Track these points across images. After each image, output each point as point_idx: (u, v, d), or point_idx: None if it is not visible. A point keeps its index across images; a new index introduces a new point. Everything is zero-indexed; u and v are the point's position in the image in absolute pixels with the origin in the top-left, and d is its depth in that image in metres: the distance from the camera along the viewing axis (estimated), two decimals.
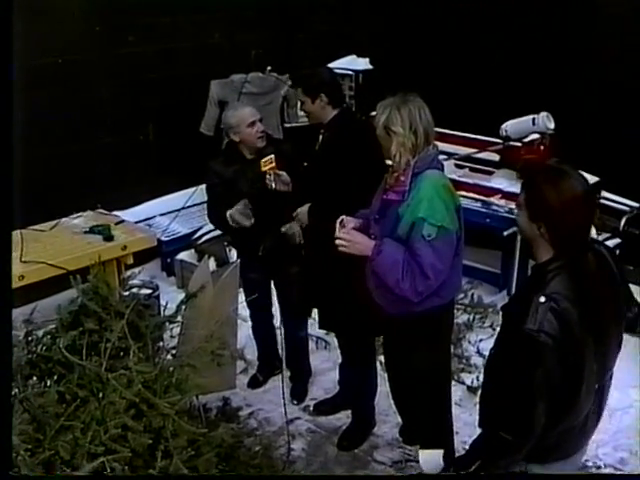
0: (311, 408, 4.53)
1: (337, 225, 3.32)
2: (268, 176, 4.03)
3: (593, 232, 4.16)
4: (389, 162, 3.32)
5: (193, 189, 6.04)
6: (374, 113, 3.34)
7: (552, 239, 2.40)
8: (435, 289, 3.24)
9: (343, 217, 3.37)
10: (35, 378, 2.78)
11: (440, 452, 2.85)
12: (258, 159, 4.14)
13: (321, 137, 4.00)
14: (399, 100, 3.21)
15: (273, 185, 4.04)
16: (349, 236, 3.24)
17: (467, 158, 5.86)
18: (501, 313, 2.73)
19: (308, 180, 4.02)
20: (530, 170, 2.63)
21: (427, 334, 3.43)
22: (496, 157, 5.74)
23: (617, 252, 4.95)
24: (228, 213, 4.14)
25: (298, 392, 4.65)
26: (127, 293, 3.53)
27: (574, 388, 2.45)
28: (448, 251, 3.19)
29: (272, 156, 4.06)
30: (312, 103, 3.95)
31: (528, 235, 2.49)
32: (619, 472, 3.91)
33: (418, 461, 3.94)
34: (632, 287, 5.49)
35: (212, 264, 4.51)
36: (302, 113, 4.19)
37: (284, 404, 4.15)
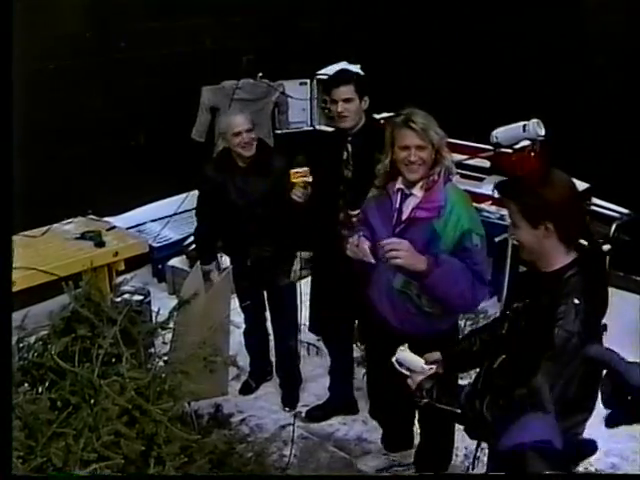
0: (303, 414, 4.53)
1: (353, 240, 3.20)
2: (302, 189, 3.77)
3: None
4: (413, 176, 3.18)
5: (184, 195, 6.04)
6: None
7: (560, 234, 2.43)
8: None
9: (360, 235, 3.23)
10: (27, 385, 2.77)
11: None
12: (249, 168, 4.13)
13: (350, 146, 3.85)
14: (420, 111, 3.16)
15: (299, 200, 3.79)
16: (407, 247, 3.02)
17: (458, 164, 5.86)
18: (508, 322, 2.71)
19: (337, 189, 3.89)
20: (513, 183, 2.64)
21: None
22: (487, 163, 5.76)
23: (608, 258, 5.05)
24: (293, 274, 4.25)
25: (289, 399, 4.65)
26: (119, 299, 3.53)
27: (592, 389, 2.49)
28: (487, 257, 3.25)
29: (307, 169, 3.79)
30: (359, 104, 3.82)
31: (535, 247, 2.48)
32: None
33: (404, 465, 3.99)
34: (621, 293, 5.58)
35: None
36: (341, 111, 3.78)
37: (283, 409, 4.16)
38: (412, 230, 3.16)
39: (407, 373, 2.80)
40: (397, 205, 3.23)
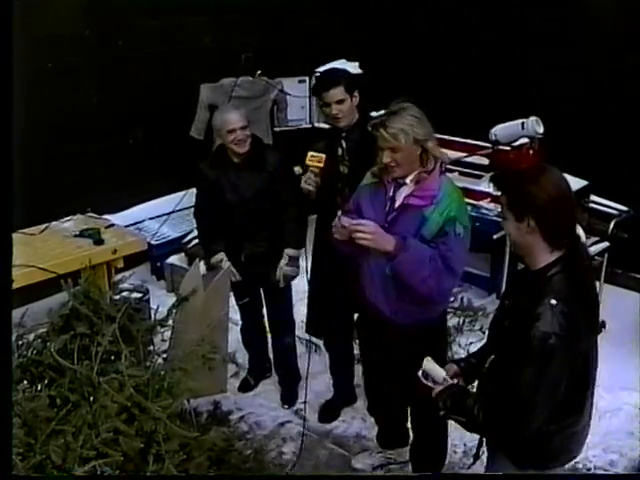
0: (304, 412, 4.52)
1: (338, 221, 3.23)
2: (310, 174, 3.70)
3: (583, 236, 4.20)
4: (391, 175, 3.25)
5: (183, 193, 6.03)
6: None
7: (544, 232, 2.43)
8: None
9: (339, 217, 3.27)
10: (26, 382, 2.78)
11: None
12: (244, 164, 4.14)
13: (345, 142, 3.86)
14: (404, 110, 3.18)
15: (310, 188, 3.71)
16: (373, 228, 3.12)
17: (456, 162, 5.87)
18: (497, 318, 2.73)
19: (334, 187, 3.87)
20: (508, 178, 2.65)
21: (438, 339, 3.49)
22: (485, 161, 5.76)
23: (606, 256, 5.06)
24: (278, 271, 4.22)
25: (288, 396, 4.66)
26: (118, 297, 3.53)
27: (583, 389, 2.50)
28: (467, 251, 3.26)
29: (323, 156, 3.68)
30: (351, 102, 3.83)
31: (519, 241, 2.51)
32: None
33: (399, 463, 3.99)
34: (620, 290, 5.58)
35: (202, 268, 4.51)
36: (335, 113, 3.79)
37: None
38: (404, 217, 3.21)
39: (432, 385, 2.81)
40: (391, 194, 3.28)
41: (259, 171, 4.14)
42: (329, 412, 4.52)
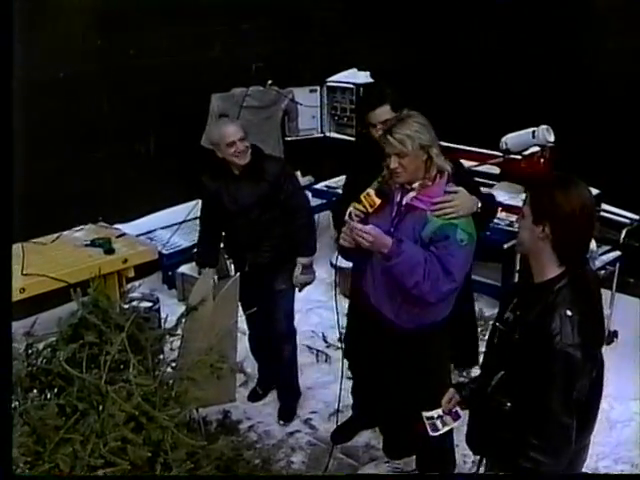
0: (312, 421, 4.51)
1: (349, 219, 3.27)
2: (358, 210, 3.33)
3: (593, 245, 4.18)
4: (396, 181, 3.28)
5: (194, 202, 6.03)
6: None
7: (555, 242, 2.40)
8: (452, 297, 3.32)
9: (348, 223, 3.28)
10: (35, 391, 2.79)
11: None
12: (243, 175, 4.14)
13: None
14: (410, 118, 3.21)
15: (354, 220, 3.29)
16: (372, 230, 3.15)
17: (467, 171, 5.87)
18: (500, 333, 2.67)
19: None
20: (538, 179, 2.64)
21: (441, 344, 3.51)
22: (496, 170, 5.75)
23: (618, 264, 5.04)
24: (294, 280, 4.23)
25: (285, 412, 4.58)
26: (127, 306, 3.54)
27: (597, 401, 2.48)
28: (470, 258, 3.27)
29: (378, 202, 3.27)
30: None
31: (529, 244, 2.48)
32: None
33: (406, 472, 3.98)
34: (632, 299, 5.54)
35: (213, 277, 4.52)
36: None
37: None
38: (407, 219, 3.26)
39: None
40: (398, 199, 3.31)
41: (258, 181, 4.11)
42: (344, 433, 4.36)
